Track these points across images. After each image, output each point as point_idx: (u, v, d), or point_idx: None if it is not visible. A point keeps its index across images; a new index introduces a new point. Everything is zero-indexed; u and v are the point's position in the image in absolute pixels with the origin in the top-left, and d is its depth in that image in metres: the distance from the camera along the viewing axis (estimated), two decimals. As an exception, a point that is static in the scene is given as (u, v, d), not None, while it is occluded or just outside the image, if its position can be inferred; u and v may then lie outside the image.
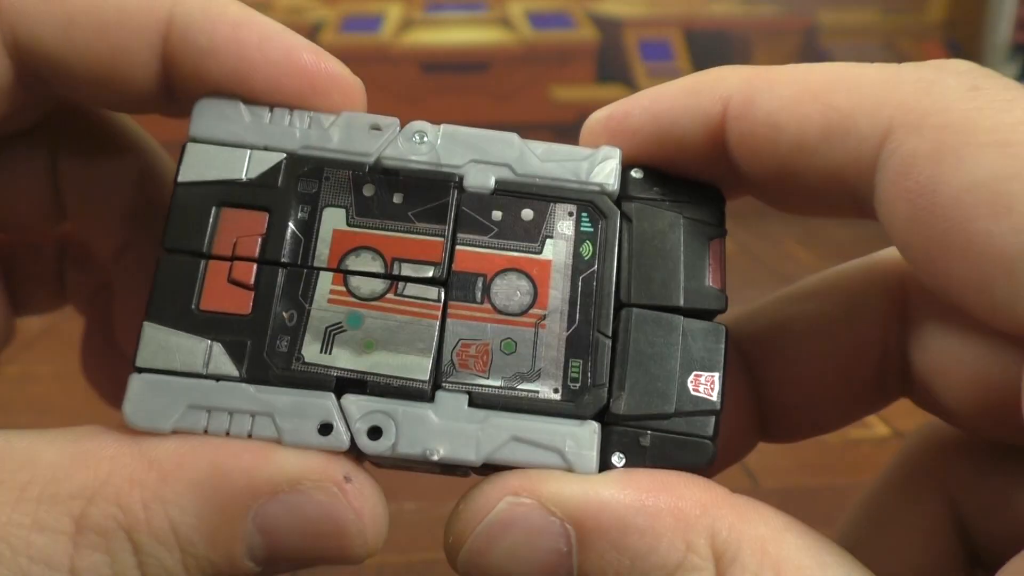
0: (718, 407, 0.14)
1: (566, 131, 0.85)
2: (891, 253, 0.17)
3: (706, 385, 0.15)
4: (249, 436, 0.14)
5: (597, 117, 0.16)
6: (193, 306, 0.14)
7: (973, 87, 0.13)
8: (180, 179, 0.15)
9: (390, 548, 0.35)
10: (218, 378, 0.14)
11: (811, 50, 0.92)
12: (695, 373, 0.15)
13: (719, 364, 0.15)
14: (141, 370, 0.14)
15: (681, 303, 0.15)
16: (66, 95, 0.16)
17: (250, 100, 0.15)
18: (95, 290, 0.22)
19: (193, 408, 0.14)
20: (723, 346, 0.15)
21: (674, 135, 0.15)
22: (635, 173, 0.16)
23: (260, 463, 0.13)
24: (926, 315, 0.16)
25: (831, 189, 0.14)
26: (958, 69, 0.13)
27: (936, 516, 0.17)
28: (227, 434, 0.14)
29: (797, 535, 0.13)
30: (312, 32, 0.88)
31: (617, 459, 0.14)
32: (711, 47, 0.90)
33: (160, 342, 0.14)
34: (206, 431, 0.14)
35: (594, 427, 0.14)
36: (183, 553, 0.13)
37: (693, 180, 0.16)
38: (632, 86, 0.90)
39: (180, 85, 0.15)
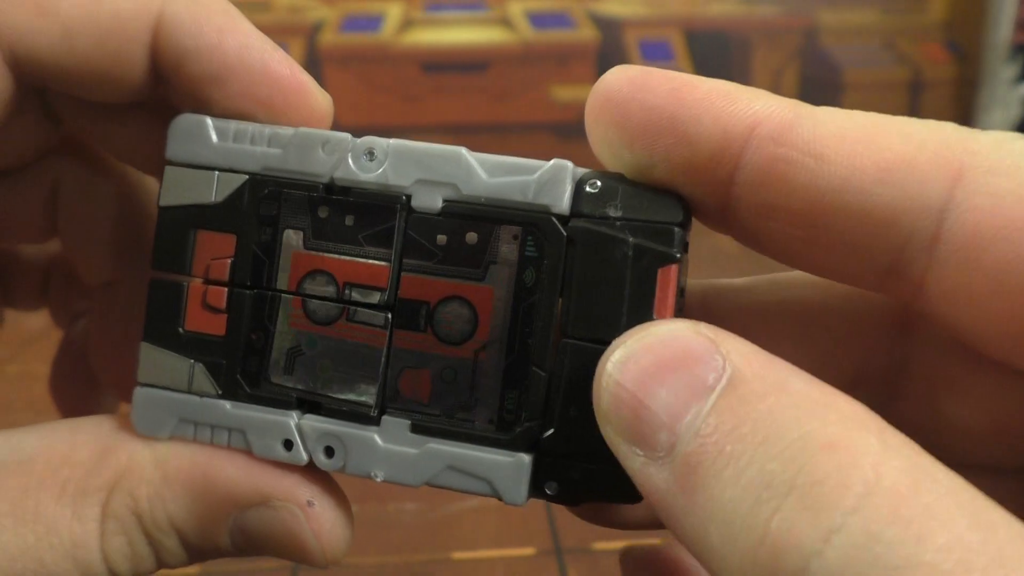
0: None
1: (566, 131, 0.86)
2: None
3: None
4: (227, 447, 0.16)
5: (612, 88, 0.14)
6: (179, 328, 0.16)
7: None
8: (161, 203, 0.16)
9: (390, 548, 0.35)
10: (200, 395, 0.16)
11: (811, 50, 0.92)
12: None
13: None
14: (143, 384, 0.16)
15: None
16: (65, 94, 0.17)
17: (222, 107, 0.16)
18: (75, 315, 0.23)
19: (183, 421, 0.16)
20: None
21: (680, 139, 0.13)
22: (589, 188, 0.14)
23: (241, 478, 0.15)
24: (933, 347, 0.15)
25: (871, 237, 0.13)
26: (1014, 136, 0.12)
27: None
28: (212, 443, 0.16)
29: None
30: (312, 32, 0.88)
31: (549, 488, 0.15)
32: (711, 47, 0.90)
33: (154, 360, 0.16)
34: (195, 439, 0.16)
35: (525, 459, 0.14)
36: (181, 539, 0.15)
37: (656, 189, 0.14)
38: (632, 86, 0.90)
39: (166, 79, 0.16)
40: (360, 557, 0.34)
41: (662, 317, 0.14)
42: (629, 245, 0.14)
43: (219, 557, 0.16)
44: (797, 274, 0.16)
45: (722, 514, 0.11)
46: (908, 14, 0.93)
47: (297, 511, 0.15)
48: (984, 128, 0.13)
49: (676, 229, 0.14)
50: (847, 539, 0.10)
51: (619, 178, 0.14)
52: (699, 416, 0.11)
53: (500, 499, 0.15)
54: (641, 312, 0.14)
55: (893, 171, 0.12)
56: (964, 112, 0.91)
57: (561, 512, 0.35)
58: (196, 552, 0.16)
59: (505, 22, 0.87)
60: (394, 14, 0.88)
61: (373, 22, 0.89)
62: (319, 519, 0.15)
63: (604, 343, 0.13)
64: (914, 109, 0.93)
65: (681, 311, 0.15)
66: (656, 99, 0.13)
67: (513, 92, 0.87)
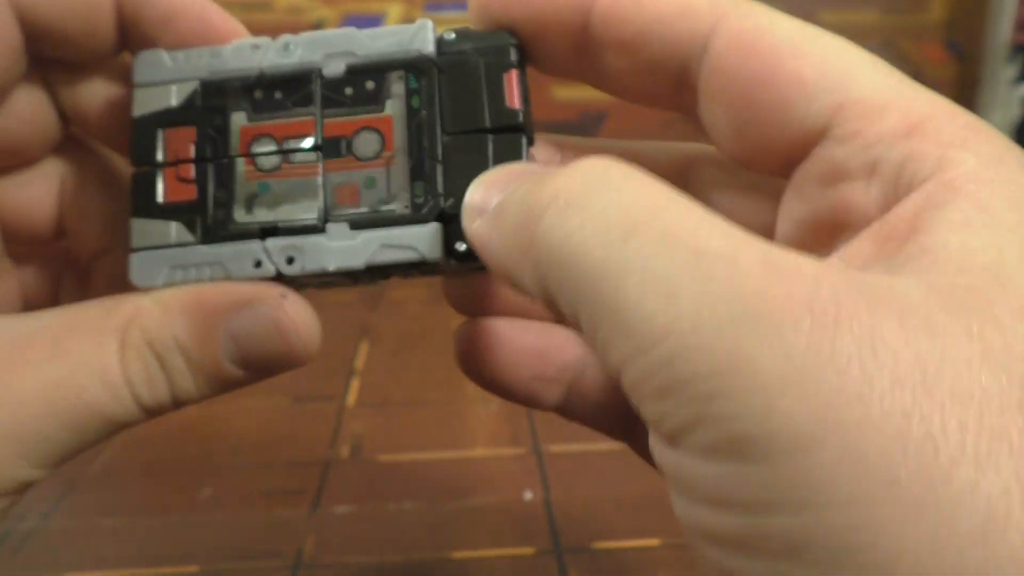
0: None
1: (566, 131, 0.86)
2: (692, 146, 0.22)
3: None
4: (210, 279, 0.20)
5: None
6: (158, 201, 0.20)
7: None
8: (134, 115, 0.21)
9: (390, 548, 0.35)
10: (183, 244, 0.20)
11: (811, 50, 0.92)
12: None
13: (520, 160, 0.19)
14: (135, 250, 0.20)
15: (487, 124, 0.19)
16: (50, 53, 0.21)
17: (172, 44, 0.21)
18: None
19: (173, 267, 0.20)
20: (521, 148, 0.19)
21: (548, 2, 0.19)
22: (447, 35, 0.20)
23: (227, 291, 0.19)
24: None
25: (668, 60, 0.18)
26: (768, 11, 0.18)
27: None
28: (197, 280, 0.20)
29: None
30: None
31: (459, 245, 0.19)
32: (711, 47, 0.90)
33: (142, 229, 0.20)
34: (184, 280, 0.20)
35: (436, 226, 0.19)
36: (185, 357, 0.19)
37: (493, 31, 0.20)
38: (632, 86, 0.90)
39: (126, 28, 0.21)
40: (360, 557, 0.34)
41: (513, 108, 0.19)
42: (480, 62, 0.20)
43: (221, 385, 0.19)
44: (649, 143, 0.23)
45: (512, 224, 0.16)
46: (908, 14, 0.93)
47: (273, 302, 0.19)
48: None
49: (512, 48, 0.20)
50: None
51: (468, 28, 0.20)
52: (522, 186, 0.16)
53: (424, 260, 0.19)
54: (497, 104, 0.20)
55: (683, 10, 0.18)
56: (964, 112, 0.91)
57: (561, 512, 0.36)
58: (199, 372, 0.19)
59: (505, 22, 0.87)
60: (394, 14, 0.88)
61: (373, 22, 0.89)
62: (293, 307, 0.19)
63: (475, 131, 0.19)
64: (914, 109, 0.92)
65: (527, 116, 0.20)
66: None
67: (513, 92, 0.87)
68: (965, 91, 0.92)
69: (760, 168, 0.18)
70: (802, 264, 0.13)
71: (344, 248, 0.19)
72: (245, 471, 0.40)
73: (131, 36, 0.21)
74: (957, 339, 0.12)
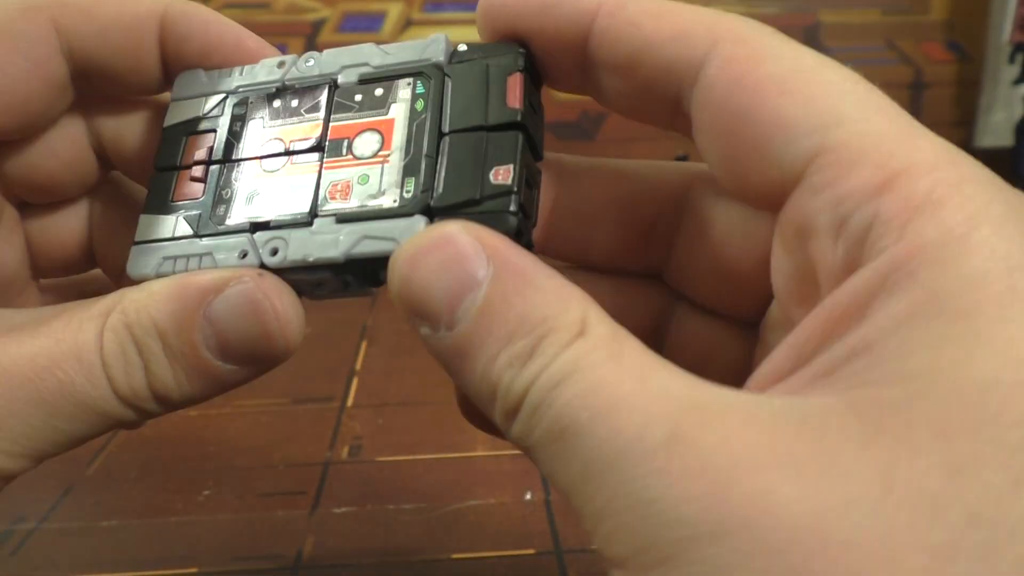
0: (514, 188, 0.18)
1: (566, 131, 0.85)
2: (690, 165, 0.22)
3: (503, 175, 0.18)
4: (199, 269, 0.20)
5: None
6: (169, 199, 0.21)
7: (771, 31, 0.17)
8: (165, 125, 0.22)
9: (390, 548, 0.35)
10: (181, 238, 0.20)
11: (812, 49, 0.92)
12: (495, 168, 0.19)
13: (513, 158, 0.19)
14: (137, 243, 0.21)
15: (486, 122, 0.19)
16: (101, 88, 0.22)
17: (208, 68, 0.22)
18: None
19: (166, 258, 0.20)
20: (517, 145, 0.19)
21: (550, 19, 0.19)
22: (460, 48, 0.21)
23: (206, 276, 0.19)
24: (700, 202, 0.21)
25: (662, 84, 0.18)
26: (763, 35, 0.17)
27: None
28: (186, 270, 0.20)
29: None
30: (312, 32, 0.88)
31: None
32: (712, 47, 0.90)
33: (148, 224, 0.21)
34: (175, 271, 0.20)
35: (420, 219, 0.19)
36: (164, 342, 0.18)
37: (505, 43, 0.20)
38: (632, 86, 0.90)
39: (170, 63, 0.22)
40: (360, 557, 0.33)
41: (513, 107, 0.19)
42: (486, 65, 0.20)
43: (203, 378, 0.19)
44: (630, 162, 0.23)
45: (483, 372, 0.15)
46: (909, 14, 0.92)
47: (250, 279, 0.19)
48: (984, 128, 0.16)
49: (519, 55, 0.20)
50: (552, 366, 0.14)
51: (482, 43, 0.20)
52: (471, 304, 0.15)
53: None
54: (498, 103, 0.19)
55: (678, 35, 0.17)
56: (965, 112, 0.91)
57: (561, 512, 0.35)
58: (178, 360, 0.18)
59: (505, 22, 0.87)
60: (394, 14, 0.88)
61: (373, 22, 0.89)
62: (270, 284, 0.19)
63: (477, 129, 0.19)
64: (915, 109, 0.93)
65: (531, 119, 0.19)
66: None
67: (513, 92, 0.86)
68: (965, 91, 0.92)
69: (748, 203, 0.18)
70: (706, 434, 0.13)
71: (326, 240, 0.19)
72: (244, 472, 0.40)
73: (173, 71, 0.22)
74: (861, 482, 0.12)
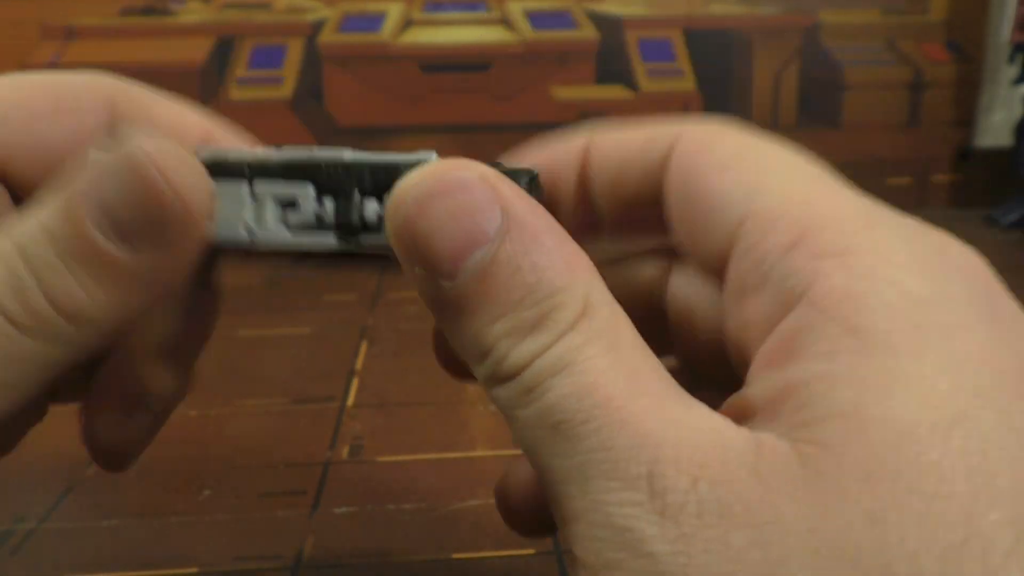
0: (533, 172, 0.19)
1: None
2: None
3: None
4: None
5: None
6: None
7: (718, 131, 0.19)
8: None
9: (390, 548, 0.35)
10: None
11: (812, 50, 0.92)
12: None
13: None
14: None
15: None
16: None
17: None
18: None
19: None
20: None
21: (559, 164, 0.20)
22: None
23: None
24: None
25: (643, 193, 0.19)
26: (718, 128, 0.18)
27: None
28: None
29: None
30: (312, 32, 0.88)
31: None
32: (711, 47, 0.90)
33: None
34: None
35: (431, 153, 0.18)
36: (50, 240, 0.16)
37: (524, 167, 0.19)
38: (632, 86, 0.90)
39: None
40: (360, 557, 0.33)
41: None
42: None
43: (105, 272, 0.16)
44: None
45: (478, 332, 0.15)
46: (909, 14, 0.92)
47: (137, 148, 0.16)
48: (984, 128, 0.17)
49: (526, 176, 0.18)
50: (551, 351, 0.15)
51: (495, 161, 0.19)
52: (477, 260, 0.15)
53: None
54: None
55: (649, 139, 0.19)
56: (965, 112, 0.91)
57: (561, 512, 0.35)
58: (70, 255, 0.16)
59: (505, 22, 0.87)
60: (394, 14, 0.88)
61: (373, 22, 0.89)
62: (157, 146, 0.16)
63: None
64: (914, 109, 0.93)
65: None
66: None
67: (513, 92, 0.87)
68: (965, 91, 0.92)
69: (708, 273, 0.19)
70: (681, 478, 0.13)
71: (330, 152, 0.18)
72: (244, 472, 0.40)
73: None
74: (797, 535, 0.13)
